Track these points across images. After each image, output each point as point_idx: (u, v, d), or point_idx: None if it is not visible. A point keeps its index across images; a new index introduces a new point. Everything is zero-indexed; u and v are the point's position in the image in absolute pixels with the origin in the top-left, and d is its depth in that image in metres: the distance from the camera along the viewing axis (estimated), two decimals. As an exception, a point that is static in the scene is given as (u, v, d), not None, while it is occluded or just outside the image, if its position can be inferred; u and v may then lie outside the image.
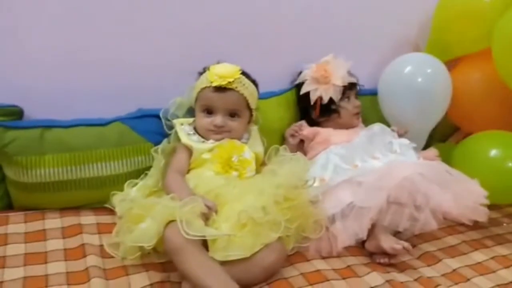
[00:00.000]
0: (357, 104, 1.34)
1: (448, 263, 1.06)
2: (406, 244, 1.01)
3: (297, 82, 1.36)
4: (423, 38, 1.55)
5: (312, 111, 1.34)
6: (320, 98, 1.30)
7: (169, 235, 0.90)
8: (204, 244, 0.93)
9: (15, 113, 1.16)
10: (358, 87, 1.36)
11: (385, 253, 1.03)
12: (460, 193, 1.07)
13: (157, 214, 0.94)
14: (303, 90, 1.33)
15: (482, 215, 1.08)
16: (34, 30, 1.17)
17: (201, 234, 0.89)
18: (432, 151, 1.24)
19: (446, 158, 1.27)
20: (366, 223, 1.04)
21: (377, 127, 1.27)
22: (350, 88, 1.32)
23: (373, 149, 1.18)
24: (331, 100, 1.30)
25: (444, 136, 1.60)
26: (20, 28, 1.16)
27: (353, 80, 1.32)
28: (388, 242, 1.02)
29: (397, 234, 1.07)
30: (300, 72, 1.37)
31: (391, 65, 1.41)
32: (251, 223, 0.94)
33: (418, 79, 1.34)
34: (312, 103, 1.32)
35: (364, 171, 1.12)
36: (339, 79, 1.29)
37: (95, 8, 1.20)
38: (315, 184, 1.10)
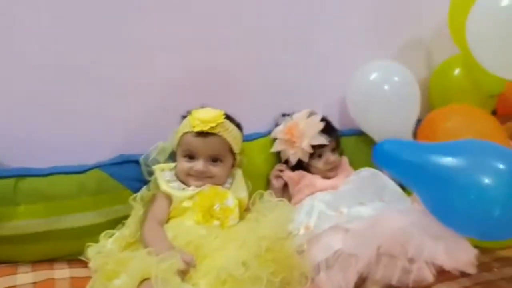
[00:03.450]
0: (331, 160, 1.28)
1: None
2: None
3: (271, 136, 1.34)
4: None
5: None
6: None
7: (143, 294, 0.85)
8: (181, 303, 0.88)
9: (-12, 162, 1.12)
10: (334, 143, 1.31)
11: None
12: (451, 244, 1.03)
13: (132, 270, 0.90)
14: (273, 149, 1.32)
15: (472, 268, 1.04)
16: (11, 76, 1.15)
17: (177, 294, 0.84)
18: None
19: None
20: (353, 274, 0.99)
21: (365, 172, 1.23)
22: (321, 147, 1.28)
23: (361, 196, 1.15)
24: (301, 159, 1.28)
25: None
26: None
27: (323, 142, 1.26)
28: None
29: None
30: (277, 124, 1.35)
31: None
32: (231, 280, 0.89)
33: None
34: (282, 161, 1.31)
35: (350, 218, 1.08)
36: (307, 143, 1.25)
37: (75, 58, 1.19)
38: (300, 232, 1.06)
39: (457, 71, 1.51)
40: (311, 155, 1.28)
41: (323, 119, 1.30)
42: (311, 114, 1.31)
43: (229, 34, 1.34)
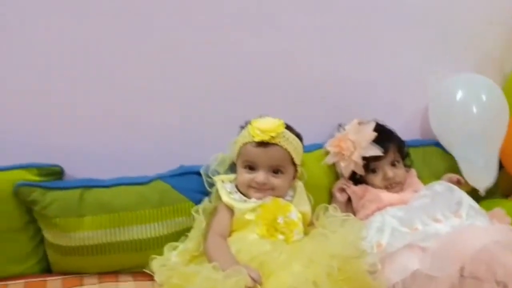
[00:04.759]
0: (389, 175, 1.18)
1: None
2: None
3: (324, 148, 1.28)
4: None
5: None
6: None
7: (209, 311, 0.83)
8: (249, 322, 0.84)
9: (56, 173, 1.15)
10: (394, 155, 1.21)
11: None
12: None
13: (197, 286, 0.87)
14: (324, 161, 1.25)
15: None
16: (75, 89, 1.17)
17: (245, 313, 0.81)
18: (501, 212, 1.10)
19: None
20: (434, 298, 0.91)
21: (439, 186, 1.15)
22: (376, 159, 1.19)
23: (435, 211, 1.06)
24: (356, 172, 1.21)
25: (507, 191, 1.45)
26: (61, 86, 1.16)
27: (376, 153, 1.18)
28: None
29: None
30: (332, 136, 1.29)
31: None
32: (302, 299, 0.84)
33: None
34: (339, 174, 1.25)
35: (426, 236, 1.00)
36: (358, 155, 1.18)
37: (136, 69, 1.20)
38: (372, 251, 1.00)
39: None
40: (366, 169, 1.20)
41: (379, 129, 1.21)
42: (362, 123, 1.24)
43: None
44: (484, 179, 1.28)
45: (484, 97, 1.29)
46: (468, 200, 1.10)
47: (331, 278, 0.88)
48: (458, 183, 1.21)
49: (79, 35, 1.14)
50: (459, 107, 1.29)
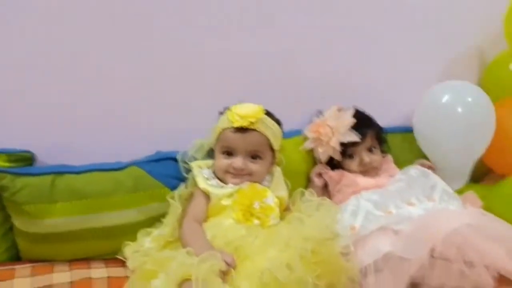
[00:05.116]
0: (366, 161, 1.19)
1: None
2: None
3: (303, 134, 1.28)
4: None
5: None
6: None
7: (184, 296, 0.81)
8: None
9: (26, 159, 1.11)
10: (371, 141, 1.21)
11: None
12: None
13: (171, 271, 0.86)
14: (303, 147, 1.25)
15: None
16: (47, 72, 1.14)
17: (219, 296, 0.80)
18: (473, 196, 1.12)
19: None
20: (404, 279, 0.92)
21: (414, 170, 1.16)
22: (354, 145, 1.19)
23: (410, 195, 1.07)
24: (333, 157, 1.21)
25: (478, 176, 1.47)
26: (33, 70, 1.13)
27: (353, 139, 1.17)
28: None
29: None
30: (311, 122, 1.29)
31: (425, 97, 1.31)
32: (275, 283, 0.84)
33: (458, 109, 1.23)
34: (316, 160, 1.25)
35: (399, 219, 1.01)
36: (335, 140, 1.18)
37: (109, 48, 1.17)
38: (346, 233, 1.00)
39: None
40: (344, 155, 1.20)
41: (358, 115, 1.21)
42: (341, 109, 1.23)
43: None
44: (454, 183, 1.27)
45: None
46: (441, 184, 1.11)
47: (305, 261, 0.87)
48: (429, 168, 1.22)
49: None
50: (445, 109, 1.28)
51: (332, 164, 1.24)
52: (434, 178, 1.13)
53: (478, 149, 1.29)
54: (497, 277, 0.95)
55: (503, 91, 1.40)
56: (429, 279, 0.93)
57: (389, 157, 1.28)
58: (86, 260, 1.07)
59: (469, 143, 1.27)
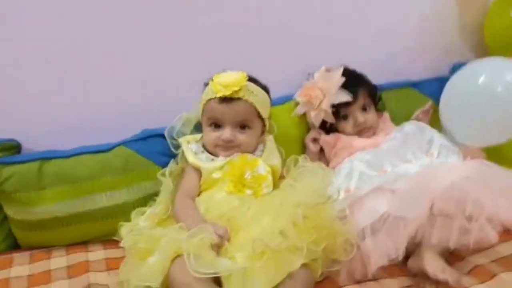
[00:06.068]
0: (359, 121, 1.14)
1: (506, 278, 0.90)
2: (454, 278, 0.85)
3: (294, 99, 1.23)
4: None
5: None
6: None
7: (175, 272, 0.81)
8: (217, 278, 0.82)
9: (12, 147, 1.10)
10: (364, 100, 1.16)
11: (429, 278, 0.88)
12: None
13: (163, 248, 0.85)
14: (294, 112, 1.21)
15: None
16: (30, 58, 1.11)
17: (212, 270, 0.79)
18: (475, 148, 1.07)
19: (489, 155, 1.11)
20: (403, 239, 0.89)
21: (409, 126, 1.11)
22: (346, 105, 1.14)
23: (406, 152, 1.03)
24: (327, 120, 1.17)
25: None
26: (17, 58, 1.11)
27: (344, 99, 1.13)
28: (433, 266, 0.86)
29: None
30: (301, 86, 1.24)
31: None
32: (269, 251, 0.82)
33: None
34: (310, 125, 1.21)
35: (395, 177, 0.98)
36: (327, 102, 1.13)
37: (92, 29, 1.14)
38: (340, 197, 0.97)
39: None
40: (337, 116, 1.16)
41: (347, 74, 1.16)
42: (330, 70, 1.18)
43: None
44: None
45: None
46: (439, 138, 1.07)
47: (299, 227, 0.85)
48: (426, 112, 1.17)
49: None
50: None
51: (327, 127, 1.20)
52: (431, 132, 1.09)
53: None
54: (501, 230, 0.92)
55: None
56: (430, 237, 0.90)
57: (386, 115, 1.23)
58: (84, 243, 1.07)
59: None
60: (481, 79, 1.10)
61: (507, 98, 1.06)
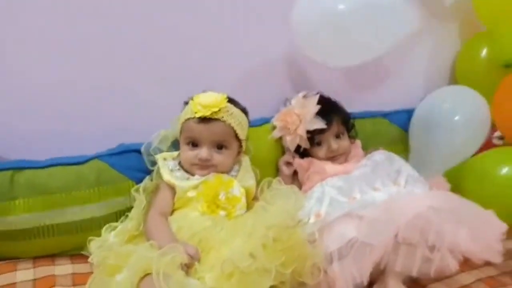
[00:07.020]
0: (333, 148, 1.18)
1: (464, 307, 0.94)
2: None
3: (271, 123, 1.27)
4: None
5: None
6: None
7: (144, 291, 0.81)
8: (186, 298, 0.82)
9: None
10: (338, 127, 1.20)
11: None
12: (477, 228, 0.95)
13: (132, 265, 0.85)
14: (271, 136, 1.24)
15: (497, 256, 0.96)
16: (9, 67, 1.11)
17: (181, 290, 0.79)
18: (441, 179, 1.12)
19: (451, 179, 1.18)
20: (368, 265, 0.92)
21: (379, 155, 1.15)
22: (321, 132, 1.18)
23: (375, 180, 1.07)
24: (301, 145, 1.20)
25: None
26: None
27: (319, 126, 1.17)
28: None
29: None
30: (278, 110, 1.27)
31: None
32: (238, 272, 0.83)
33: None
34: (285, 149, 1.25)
35: (363, 204, 1.01)
36: (302, 128, 1.17)
37: (74, 45, 1.15)
38: (311, 221, 1.00)
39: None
40: (312, 142, 1.20)
41: (323, 101, 1.20)
42: (306, 96, 1.22)
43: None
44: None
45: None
46: (407, 168, 1.11)
47: (268, 249, 0.86)
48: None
49: None
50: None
51: (301, 152, 1.23)
52: (399, 162, 1.13)
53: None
54: (461, 259, 0.96)
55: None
56: (394, 265, 0.94)
57: (358, 142, 1.28)
58: (51, 256, 1.05)
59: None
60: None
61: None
